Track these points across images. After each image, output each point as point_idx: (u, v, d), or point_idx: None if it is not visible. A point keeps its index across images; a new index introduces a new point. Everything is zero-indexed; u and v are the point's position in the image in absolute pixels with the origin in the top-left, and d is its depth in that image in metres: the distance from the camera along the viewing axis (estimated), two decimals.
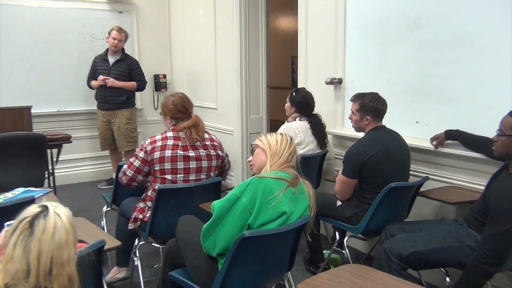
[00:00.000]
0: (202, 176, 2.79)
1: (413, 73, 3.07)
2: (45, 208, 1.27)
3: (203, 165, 2.79)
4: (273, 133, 2.16)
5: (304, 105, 3.47)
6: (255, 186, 1.89)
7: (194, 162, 2.75)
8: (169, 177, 2.70)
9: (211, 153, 2.82)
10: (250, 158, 2.21)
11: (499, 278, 2.48)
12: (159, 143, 2.71)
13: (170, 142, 2.73)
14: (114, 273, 2.99)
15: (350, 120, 2.91)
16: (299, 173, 2.08)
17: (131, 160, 2.76)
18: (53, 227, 1.25)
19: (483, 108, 2.68)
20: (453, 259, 2.22)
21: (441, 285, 2.82)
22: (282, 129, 3.38)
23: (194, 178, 2.76)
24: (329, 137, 3.70)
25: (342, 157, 3.61)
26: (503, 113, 2.16)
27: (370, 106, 2.76)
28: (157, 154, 2.69)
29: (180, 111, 2.84)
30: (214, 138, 2.92)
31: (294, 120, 3.48)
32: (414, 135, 3.05)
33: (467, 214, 2.36)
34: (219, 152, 2.88)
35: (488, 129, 2.45)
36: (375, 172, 2.69)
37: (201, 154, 2.78)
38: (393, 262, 2.24)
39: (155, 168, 2.70)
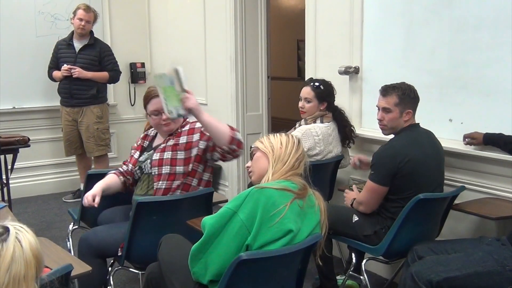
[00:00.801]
0: None
1: (445, 61, 3.10)
2: (5, 231, 1.28)
3: None
4: (277, 134, 2.19)
5: (334, 98, 3.49)
6: (255, 198, 1.91)
7: None
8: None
9: None
10: (249, 164, 2.23)
11: None
12: None
13: None
14: None
15: (380, 121, 2.88)
16: (307, 183, 2.10)
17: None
18: (11, 257, 1.25)
19: None
20: (493, 286, 2.24)
21: None
22: (298, 133, 3.32)
23: None
24: None
25: None
26: None
27: (412, 96, 2.79)
28: None
29: None
30: None
31: (314, 121, 3.43)
32: (446, 135, 3.08)
33: None
34: None
35: None
36: (409, 181, 2.69)
37: None
38: None
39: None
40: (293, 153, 2.10)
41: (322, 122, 3.43)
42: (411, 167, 2.68)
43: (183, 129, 2.86)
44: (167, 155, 2.78)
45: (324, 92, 3.43)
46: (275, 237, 1.91)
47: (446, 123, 3.12)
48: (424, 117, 2.99)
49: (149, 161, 2.86)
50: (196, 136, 2.79)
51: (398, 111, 2.79)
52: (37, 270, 1.31)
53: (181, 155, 2.77)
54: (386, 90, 2.84)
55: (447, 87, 3.11)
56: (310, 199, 2.07)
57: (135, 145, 3.07)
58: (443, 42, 3.10)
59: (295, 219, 1.96)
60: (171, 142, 2.82)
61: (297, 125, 3.52)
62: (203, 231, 1.98)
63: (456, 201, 2.84)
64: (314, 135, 3.34)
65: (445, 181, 2.92)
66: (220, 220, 1.94)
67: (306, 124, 3.43)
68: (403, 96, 2.78)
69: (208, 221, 1.97)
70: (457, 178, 3.05)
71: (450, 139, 3.07)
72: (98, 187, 2.79)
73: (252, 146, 2.24)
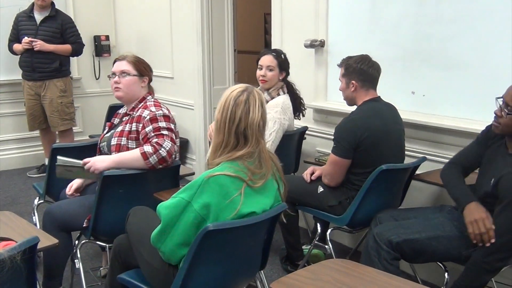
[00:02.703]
0: None
1: (408, 34, 3.15)
2: None
3: None
4: (230, 89, 2.02)
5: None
6: (209, 188, 1.88)
7: None
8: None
9: None
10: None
11: (504, 273, 2.61)
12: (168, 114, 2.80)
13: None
14: None
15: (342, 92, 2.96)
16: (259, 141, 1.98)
17: (167, 134, 2.64)
18: None
19: (490, 74, 2.78)
20: (451, 250, 2.34)
21: (439, 283, 2.95)
22: (278, 110, 3.27)
23: None
24: (310, 111, 3.77)
25: (325, 135, 3.71)
26: None
27: (354, 67, 2.82)
28: (176, 128, 2.80)
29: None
30: None
31: (278, 93, 3.39)
32: (409, 108, 3.15)
33: None
34: None
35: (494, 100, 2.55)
36: (371, 154, 2.74)
37: None
38: (382, 250, 2.35)
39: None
40: (232, 116, 1.93)
41: (284, 93, 3.43)
42: (372, 139, 2.73)
43: (138, 109, 2.81)
44: (124, 141, 2.76)
45: (285, 62, 3.44)
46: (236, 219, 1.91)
47: (409, 95, 3.18)
48: (387, 89, 3.04)
49: (106, 143, 2.84)
50: (140, 126, 2.74)
51: (345, 82, 2.88)
52: None
53: (132, 144, 2.75)
54: (341, 61, 2.93)
55: (410, 60, 3.16)
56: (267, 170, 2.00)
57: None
58: (407, 16, 3.14)
59: (252, 202, 1.95)
60: (127, 127, 2.79)
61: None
62: (159, 217, 1.97)
63: (418, 172, 2.92)
64: (288, 105, 3.36)
65: (406, 152, 2.99)
66: (174, 210, 1.91)
67: (271, 96, 3.39)
68: (347, 67, 2.86)
69: (162, 211, 1.94)
70: (418, 149, 3.13)
71: (412, 111, 3.14)
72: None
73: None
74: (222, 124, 1.96)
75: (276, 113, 3.26)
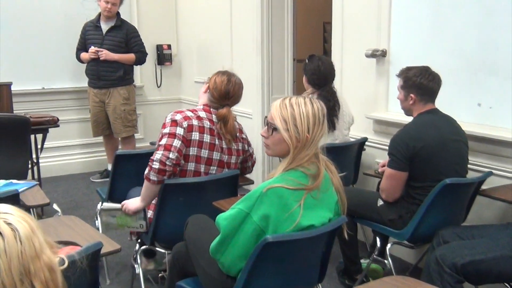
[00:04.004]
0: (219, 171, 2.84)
1: (474, 44, 3.05)
2: None
3: (224, 159, 2.82)
4: (303, 111, 1.91)
5: (316, 74, 3.41)
6: (268, 200, 1.86)
7: (219, 153, 2.80)
8: (192, 167, 2.75)
9: (232, 147, 2.86)
10: (264, 133, 2.02)
11: None
12: (195, 122, 2.73)
13: (207, 124, 2.76)
14: (144, 263, 3.19)
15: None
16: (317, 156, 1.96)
17: (163, 143, 2.64)
18: (9, 227, 1.27)
19: None
20: None
21: None
22: None
23: (215, 172, 2.80)
24: (370, 122, 3.71)
25: (385, 146, 3.63)
26: None
27: (414, 81, 2.77)
28: (195, 135, 2.72)
29: (222, 94, 2.84)
30: (241, 129, 2.97)
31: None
32: (474, 120, 3.04)
33: None
34: (244, 147, 2.96)
35: None
36: (427, 166, 2.68)
37: (224, 146, 2.81)
38: (445, 273, 2.26)
39: (188, 153, 2.73)
40: (317, 136, 1.94)
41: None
42: (427, 150, 2.66)
43: None
44: None
45: (305, 66, 3.48)
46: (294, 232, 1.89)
47: (475, 107, 3.08)
48: (451, 101, 2.96)
49: None
50: None
51: (403, 94, 2.84)
52: (36, 223, 1.34)
53: None
54: (400, 71, 2.88)
55: (476, 70, 3.06)
56: (325, 180, 1.98)
57: None
58: (472, 24, 3.05)
59: (311, 215, 1.92)
60: None
61: None
62: (218, 228, 1.97)
63: (483, 187, 2.81)
64: None
65: (472, 166, 2.90)
66: (233, 222, 1.91)
67: None
68: (406, 80, 2.80)
69: (222, 222, 1.94)
70: (484, 163, 3.01)
71: (478, 123, 3.03)
72: None
73: (267, 118, 2.01)
74: (304, 141, 1.91)
75: None
